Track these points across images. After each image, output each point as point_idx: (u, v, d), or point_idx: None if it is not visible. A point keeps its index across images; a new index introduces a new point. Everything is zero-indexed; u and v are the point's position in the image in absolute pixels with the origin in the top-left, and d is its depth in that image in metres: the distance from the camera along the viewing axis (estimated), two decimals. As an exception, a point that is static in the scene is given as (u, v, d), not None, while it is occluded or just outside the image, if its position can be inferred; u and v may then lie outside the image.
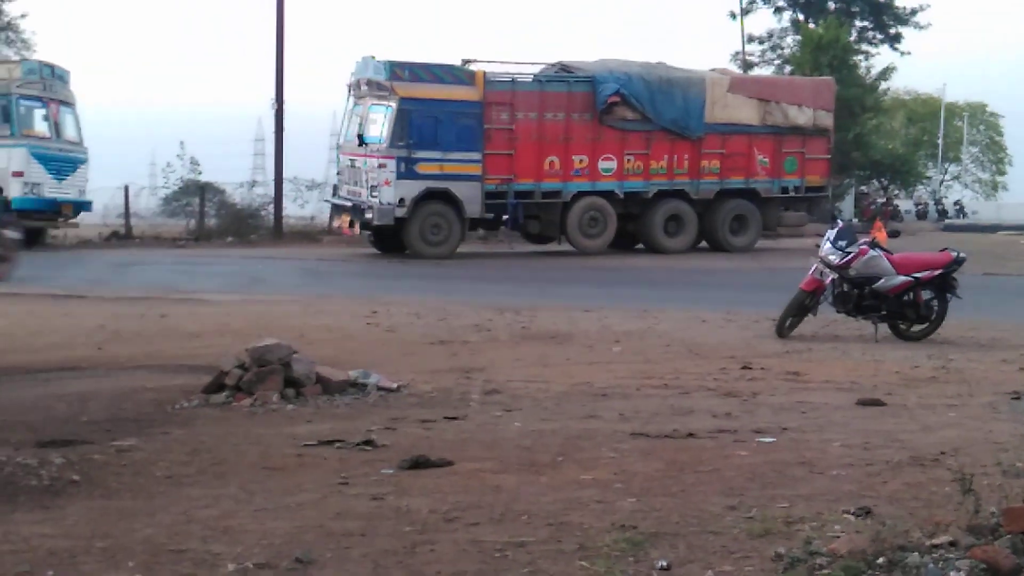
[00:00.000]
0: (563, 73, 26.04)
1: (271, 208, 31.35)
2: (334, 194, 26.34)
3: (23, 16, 37.98)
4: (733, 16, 48.89)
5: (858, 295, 12.43)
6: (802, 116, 26.92)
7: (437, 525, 4.91)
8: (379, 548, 4.58)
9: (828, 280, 12.51)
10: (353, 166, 24.68)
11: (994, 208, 57.45)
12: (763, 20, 75.58)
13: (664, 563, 4.32)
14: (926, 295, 12.42)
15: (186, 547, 4.59)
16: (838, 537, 4.51)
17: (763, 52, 49.83)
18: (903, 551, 4.18)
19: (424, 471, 5.93)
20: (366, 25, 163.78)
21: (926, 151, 60.40)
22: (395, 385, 8.68)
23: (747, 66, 47.73)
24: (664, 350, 11.31)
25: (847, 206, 43.32)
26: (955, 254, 12.46)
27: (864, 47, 47.47)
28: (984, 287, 17.04)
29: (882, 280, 12.30)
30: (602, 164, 25.37)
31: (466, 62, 24.97)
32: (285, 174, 31.30)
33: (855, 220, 33.41)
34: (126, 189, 31.31)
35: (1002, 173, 70.08)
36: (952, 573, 3.97)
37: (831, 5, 46.88)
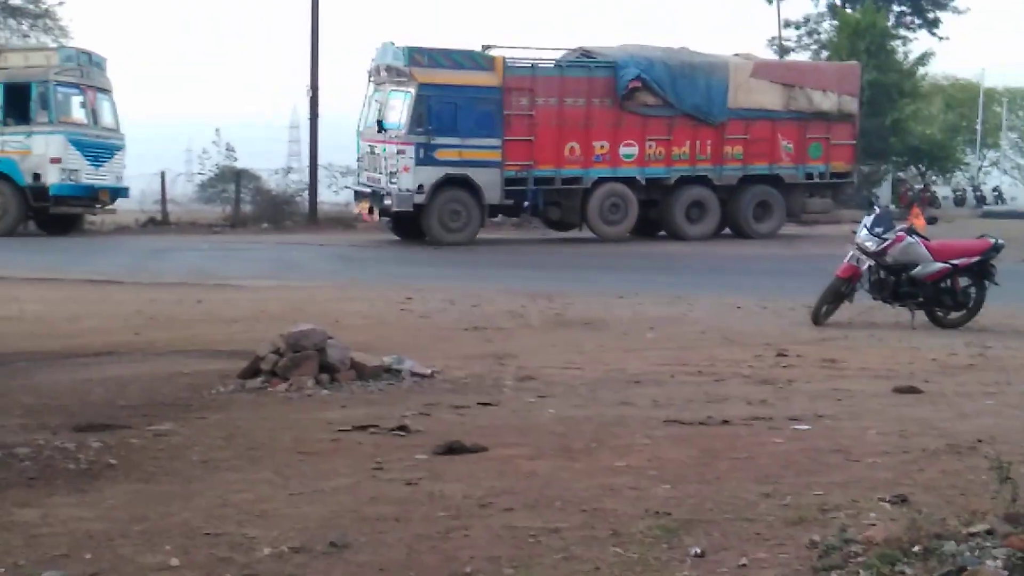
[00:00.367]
0: (584, 59, 25.85)
1: (306, 194, 31.47)
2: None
3: (60, 3, 38.24)
4: (769, 1, 48.63)
5: (895, 282, 12.35)
6: (827, 101, 26.60)
7: (471, 510, 4.92)
8: (413, 533, 4.60)
9: (864, 267, 12.42)
10: (372, 152, 24.59)
11: (1033, 194, 56.84)
12: (800, 5, 75.13)
13: (698, 550, 4.31)
14: (964, 282, 12.31)
15: (222, 531, 4.62)
16: (873, 525, 4.49)
17: (799, 37, 49.58)
18: (939, 539, 4.15)
19: (458, 457, 5.95)
20: (403, 11, 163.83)
21: (964, 137, 59.73)
22: (429, 371, 8.69)
23: (783, 51, 47.51)
24: (698, 337, 11.27)
25: (884, 192, 43.03)
26: (993, 241, 12.34)
27: (902, 32, 47.10)
28: (1022, 274, 16.86)
29: (919, 267, 12.21)
30: (623, 150, 25.18)
31: (486, 48, 24.80)
32: (320, 160, 31.43)
33: (892, 207, 33.15)
34: (163, 175, 31.50)
35: (1041, 159, 69.26)
36: (988, 562, 3.94)
37: (869, -11, 46.57)
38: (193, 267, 18.52)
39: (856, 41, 40.52)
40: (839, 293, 12.48)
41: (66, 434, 6.42)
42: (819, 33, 48.77)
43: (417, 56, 23.62)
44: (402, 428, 6.62)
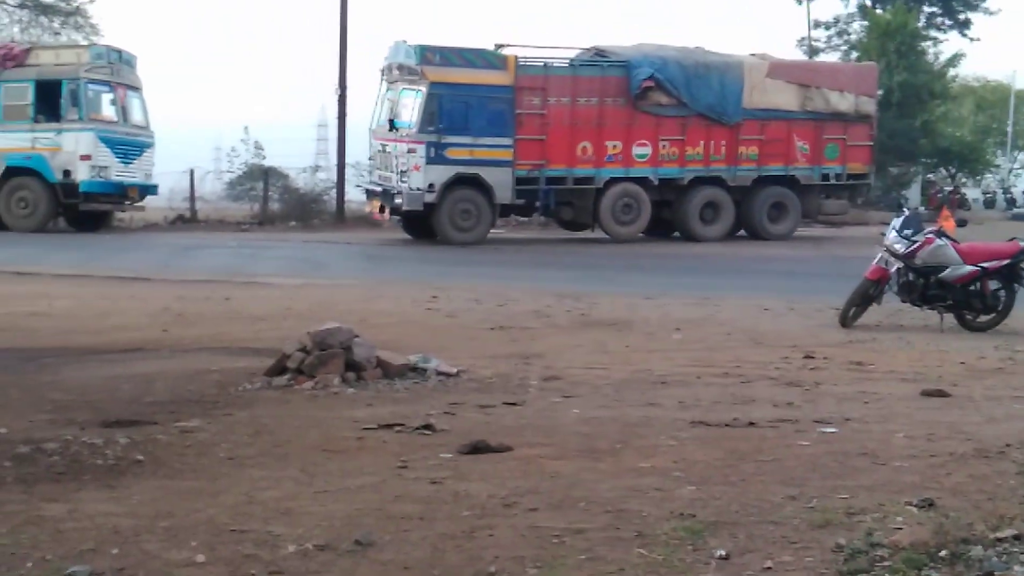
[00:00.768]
0: (597, 58, 25.70)
1: (333, 193, 31.58)
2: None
3: (91, 1, 38.53)
4: (799, 1, 48.45)
5: (924, 285, 12.27)
6: (844, 102, 26.36)
7: (495, 510, 4.93)
8: (438, 532, 4.60)
9: (893, 269, 12.35)
10: (384, 151, 24.49)
11: (1064, 198, 56.35)
12: (830, 5, 74.80)
13: (723, 552, 4.30)
14: (993, 285, 12.21)
15: (248, 528, 4.64)
16: (900, 529, 4.47)
17: (829, 38, 49.36)
18: (966, 544, 4.13)
19: (483, 456, 5.95)
20: (429, 10, 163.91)
21: (995, 139, 59.36)
22: (454, 370, 8.70)
23: (813, 52, 47.30)
24: (725, 338, 11.24)
25: (914, 194, 42.78)
26: (1023, 244, 12.26)
27: (932, 33, 46.84)
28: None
29: (948, 269, 12.13)
30: (636, 150, 25.01)
31: (499, 46, 24.67)
32: (347, 159, 31.53)
33: (922, 208, 32.94)
34: (191, 173, 31.68)
35: (1072, 162, 68.72)
36: (1016, 567, 3.92)
37: (899, -10, 46.32)
38: (221, 264, 18.62)
39: (886, 42, 40.33)
40: (867, 295, 12.42)
41: (94, 430, 6.46)
42: (849, 34, 48.59)
43: (429, 55, 23.51)
44: (427, 427, 6.63)
